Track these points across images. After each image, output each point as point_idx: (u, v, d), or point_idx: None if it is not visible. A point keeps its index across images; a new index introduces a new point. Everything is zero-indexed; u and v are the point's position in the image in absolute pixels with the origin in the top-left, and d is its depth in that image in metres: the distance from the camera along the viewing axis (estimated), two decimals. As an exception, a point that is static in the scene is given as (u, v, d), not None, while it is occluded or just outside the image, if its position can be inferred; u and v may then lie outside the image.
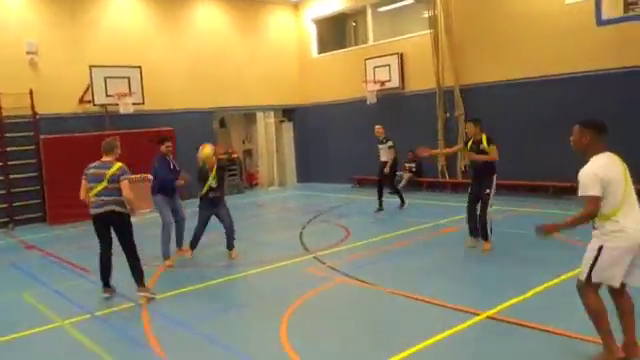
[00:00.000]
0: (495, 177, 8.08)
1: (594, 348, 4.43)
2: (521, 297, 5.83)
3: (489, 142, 8.02)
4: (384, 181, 12.05)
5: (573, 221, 4.17)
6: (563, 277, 6.38)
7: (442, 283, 6.70)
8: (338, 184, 17.32)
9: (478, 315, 5.37)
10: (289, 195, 17.15)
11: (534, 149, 12.89)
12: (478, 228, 8.16)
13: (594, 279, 4.13)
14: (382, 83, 15.93)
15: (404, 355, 4.58)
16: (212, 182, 8.18)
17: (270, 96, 18.24)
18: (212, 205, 8.30)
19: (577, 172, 4.14)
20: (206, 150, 8.28)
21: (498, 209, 11.34)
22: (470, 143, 8.25)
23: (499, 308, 5.53)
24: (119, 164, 6.52)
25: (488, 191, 7.96)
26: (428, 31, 15.01)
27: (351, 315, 5.81)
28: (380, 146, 11.96)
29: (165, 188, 8.21)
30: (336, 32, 19.22)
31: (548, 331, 4.91)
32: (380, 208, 11.78)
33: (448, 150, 8.80)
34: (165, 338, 5.32)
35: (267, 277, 7.43)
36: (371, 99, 15.94)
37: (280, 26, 18.75)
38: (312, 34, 18.99)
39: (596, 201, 4.02)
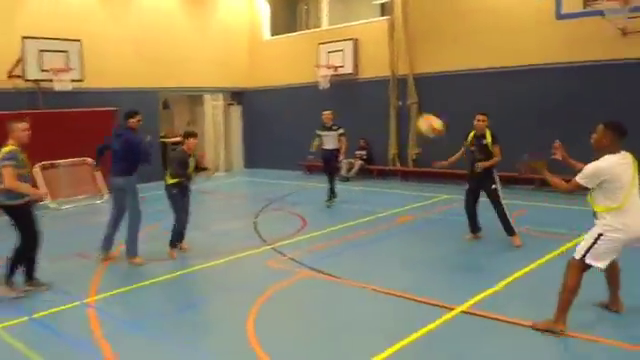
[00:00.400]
0: (495, 170, 7.64)
1: (569, 341, 4.33)
2: (490, 290, 5.70)
3: (494, 140, 7.52)
4: (334, 170, 11.50)
5: (555, 182, 4.74)
6: (532, 266, 6.34)
7: (410, 275, 6.49)
8: (288, 171, 16.91)
9: (452, 310, 5.18)
10: (237, 181, 16.57)
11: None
12: (480, 226, 7.89)
13: (587, 260, 4.54)
14: (335, 68, 15.58)
15: (381, 357, 4.30)
16: (192, 169, 7.50)
17: (219, 78, 17.49)
18: (185, 194, 7.59)
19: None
20: (437, 124, 7.33)
21: (446, 198, 11.38)
22: (472, 137, 7.69)
23: (472, 302, 5.37)
24: (5, 148, 5.80)
25: (494, 187, 7.55)
26: (384, 18, 14.80)
27: (321, 312, 5.46)
28: (326, 133, 11.08)
29: (142, 164, 7.26)
30: (289, 15, 18.67)
31: (521, 324, 4.80)
32: (332, 196, 11.32)
33: (455, 157, 7.99)
34: (116, 341, 4.78)
35: (224, 270, 6.95)
36: (324, 84, 15.59)
37: (230, 6, 17.95)
38: (264, 16, 18.34)
39: (578, 187, 4.55)
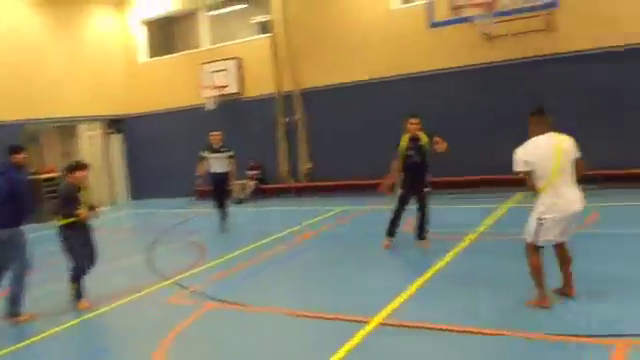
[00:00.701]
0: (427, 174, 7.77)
1: (481, 340, 4.35)
2: (403, 296, 5.64)
3: (430, 137, 7.53)
4: (225, 194, 10.73)
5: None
6: (432, 271, 6.42)
7: (319, 293, 6.30)
8: (178, 198, 16.09)
9: (368, 323, 5.02)
10: (124, 215, 15.49)
11: (369, 148, 13.26)
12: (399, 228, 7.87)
13: (536, 242, 4.92)
14: (220, 89, 15.18)
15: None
16: (84, 205, 6.42)
17: (93, 106, 16.28)
18: (83, 233, 6.53)
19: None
20: None
21: (343, 210, 11.45)
22: (407, 141, 7.59)
23: (387, 311, 5.26)
24: None
25: (427, 189, 7.72)
26: (266, 35, 14.72)
27: (233, 345, 5.06)
28: (215, 155, 10.38)
29: (26, 213, 6.29)
30: (167, 35, 17.94)
31: (436, 329, 4.77)
32: (225, 221, 10.53)
33: (397, 167, 7.81)
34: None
35: (123, 315, 6.25)
36: (209, 105, 15.12)
37: (102, 28, 16.83)
38: (140, 37, 17.46)
39: (526, 175, 4.88)
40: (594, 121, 10.44)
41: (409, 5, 12.89)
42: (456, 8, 10.61)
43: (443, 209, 9.86)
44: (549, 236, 4.88)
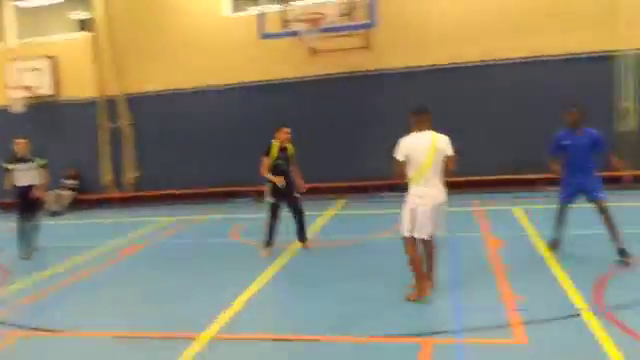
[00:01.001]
0: None
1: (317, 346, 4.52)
2: (229, 311, 5.60)
3: (295, 149, 7.88)
4: (34, 209, 9.11)
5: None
6: (260, 281, 6.48)
7: (147, 311, 5.93)
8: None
9: (195, 339, 4.87)
10: None
11: (201, 157, 13.07)
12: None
13: (413, 234, 5.25)
14: (31, 89, 13.67)
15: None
16: None
17: None
18: None
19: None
20: None
21: (172, 221, 11.09)
22: (277, 150, 7.65)
23: (217, 326, 5.16)
24: None
25: (298, 195, 7.83)
26: (86, 34, 13.64)
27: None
28: (20, 166, 8.91)
29: None
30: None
31: (269, 339, 4.82)
32: (31, 244, 9.03)
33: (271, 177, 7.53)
34: None
35: None
36: (17, 108, 13.53)
37: None
38: None
39: (397, 162, 5.28)
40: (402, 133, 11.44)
41: (241, 14, 12.93)
42: (286, 21, 10.92)
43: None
44: (424, 227, 5.24)
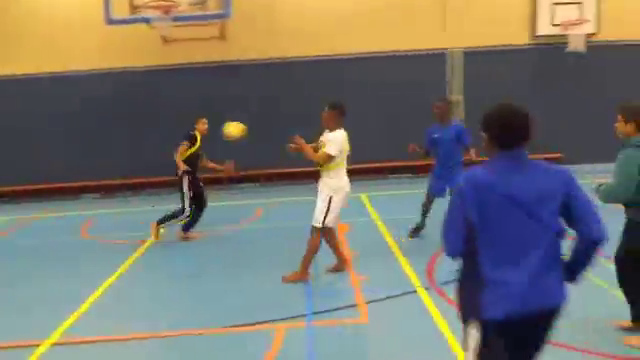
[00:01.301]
0: None
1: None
2: (76, 312, 5.33)
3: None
4: None
5: (312, 154, 5.50)
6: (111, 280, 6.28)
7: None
8: None
9: (38, 346, 4.57)
10: None
11: (36, 149, 12.03)
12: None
13: (326, 223, 5.50)
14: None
15: None
16: None
17: None
18: None
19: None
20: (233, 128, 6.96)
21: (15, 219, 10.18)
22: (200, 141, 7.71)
23: (59, 330, 4.88)
24: None
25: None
26: None
27: None
28: None
29: None
30: None
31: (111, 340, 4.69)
32: None
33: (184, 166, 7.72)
34: None
35: None
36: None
37: None
38: None
39: (329, 158, 5.39)
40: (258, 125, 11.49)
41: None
42: (135, 7, 10.36)
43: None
44: (334, 216, 5.54)
